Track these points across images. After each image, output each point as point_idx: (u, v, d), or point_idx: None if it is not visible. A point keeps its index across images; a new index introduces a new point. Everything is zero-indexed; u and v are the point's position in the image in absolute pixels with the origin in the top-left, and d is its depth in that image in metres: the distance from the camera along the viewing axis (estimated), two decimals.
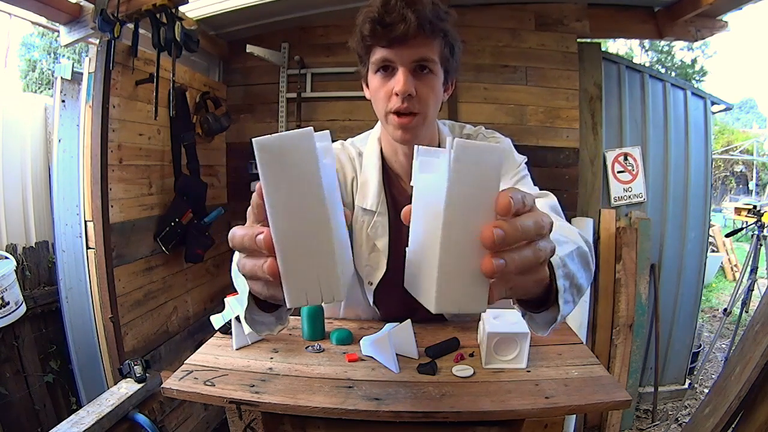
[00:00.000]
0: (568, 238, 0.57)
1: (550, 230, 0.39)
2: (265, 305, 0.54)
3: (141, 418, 1.41)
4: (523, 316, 0.54)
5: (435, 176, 0.40)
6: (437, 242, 0.36)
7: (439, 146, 0.90)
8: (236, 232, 0.41)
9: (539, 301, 0.51)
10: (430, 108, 0.81)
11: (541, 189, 0.87)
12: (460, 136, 0.93)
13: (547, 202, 0.79)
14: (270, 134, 0.35)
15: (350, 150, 0.97)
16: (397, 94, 0.78)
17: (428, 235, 0.39)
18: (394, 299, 0.90)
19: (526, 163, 0.94)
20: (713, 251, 6.16)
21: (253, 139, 0.35)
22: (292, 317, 0.82)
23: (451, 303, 0.37)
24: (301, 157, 0.35)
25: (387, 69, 0.80)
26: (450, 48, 0.82)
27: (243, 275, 0.43)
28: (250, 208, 0.41)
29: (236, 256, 0.64)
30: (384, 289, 0.93)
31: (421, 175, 0.46)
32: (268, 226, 0.37)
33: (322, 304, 0.92)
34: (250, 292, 0.51)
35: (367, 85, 0.88)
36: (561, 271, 0.49)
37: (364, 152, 0.96)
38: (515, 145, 0.96)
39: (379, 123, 0.92)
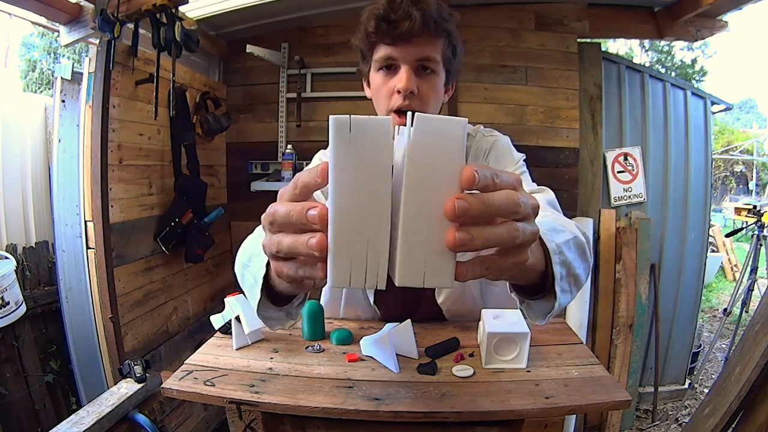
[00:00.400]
0: (565, 227, 0.57)
1: (534, 214, 0.39)
2: (276, 299, 0.53)
3: (141, 418, 1.41)
4: (520, 303, 0.54)
5: (402, 150, 0.40)
6: (400, 214, 0.36)
7: None
8: (279, 208, 0.39)
9: (535, 288, 0.50)
10: (430, 107, 0.81)
11: None
12: None
13: (543, 197, 0.79)
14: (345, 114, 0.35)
15: None
16: (399, 92, 0.78)
17: (396, 209, 0.38)
18: (394, 299, 0.90)
19: (524, 161, 0.93)
20: (713, 251, 6.16)
21: (331, 116, 0.35)
22: None
23: (415, 276, 0.37)
24: (376, 141, 0.35)
25: (390, 68, 0.80)
26: (452, 49, 0.82)
27: (274, 254, 0.41)
28: (287, 187, 0.40)
29: (248, 243, 0.63)
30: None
31: (395, 151, 0.46)
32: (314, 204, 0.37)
33: (322, 304, 0.92)
34: (262, 286, 0.50)
35: (368, 84, 0.88)
36: (557, 258, 0.48)
37: None
38: (515, 145, 0.96)
39: None
